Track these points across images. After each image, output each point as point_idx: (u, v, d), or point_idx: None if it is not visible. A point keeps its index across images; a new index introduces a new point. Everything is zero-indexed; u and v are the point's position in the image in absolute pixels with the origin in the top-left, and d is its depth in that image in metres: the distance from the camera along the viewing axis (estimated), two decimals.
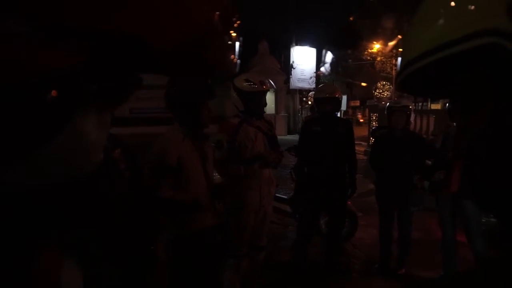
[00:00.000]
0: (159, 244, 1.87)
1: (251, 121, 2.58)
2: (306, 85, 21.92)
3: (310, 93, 20.71)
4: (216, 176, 2.35)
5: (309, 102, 20.09)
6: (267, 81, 2.62)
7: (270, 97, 17.53)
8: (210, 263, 2.05)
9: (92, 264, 0.71)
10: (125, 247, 1.21)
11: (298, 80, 21.66)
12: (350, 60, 22.27)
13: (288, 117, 21.33)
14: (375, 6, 18.20)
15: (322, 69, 23.27)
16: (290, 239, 3.80)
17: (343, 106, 19.22)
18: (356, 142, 3.49)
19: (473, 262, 2.88)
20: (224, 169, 2.48)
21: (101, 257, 0.90)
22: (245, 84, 2.53)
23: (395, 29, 17.22)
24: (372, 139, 7.29)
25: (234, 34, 0.42)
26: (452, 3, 0.54)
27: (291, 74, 21.31)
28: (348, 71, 23.65)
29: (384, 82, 22.27)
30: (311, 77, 21.91)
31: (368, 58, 20.84)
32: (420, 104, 17.82)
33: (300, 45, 21.98)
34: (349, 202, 3.90)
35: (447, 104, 3.50)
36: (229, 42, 0.41)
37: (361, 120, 25.92)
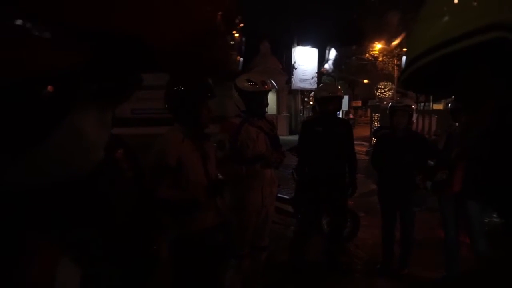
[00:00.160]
0: (162, 245, 1.87)
1: (252, 121, 2.58)
2: (307, 86, 21.90)
3: (312, 93, 20.70)
4: (219, 176, 2.35)
5: (311, 103, 20.07)
6: (268, 81, 2.62)
7: (271, 98, 17.54)
8: (212, 264, 2.04)
9: (93, 263, 0.71)
10: (127, 247, 1.21)
11: (299, 81, 21.65)
12: (353, 57, 22.23)
13: (289, 118, 21.31)
14: (376, 6, 18.17)
15: (326, 65, 23.25)
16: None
17: (345, 106, 19.23)
18: (358, 143, 3.49)
19: (476, 262, 2.87)
20: (226, 169, 2.48)
21: (102, 256, 0.90)
22: (246, 84, 2.53)
23: (398, 28, 17.17)
24: (374, 139, 7.27)
25: (237, 35, 0.42)
26: (456, 0, 0.54)
27: (292, 75, 21.30)
28: (351, 69, 23.63)
29: (386, 82, 22.22)
30: (312, 77, 21.90)
31: (370, 58, 20.81)
32: (422, 104, 17.77)
33: (302, 45, 21.96)
34: (351, 202, 3.90)
35: (450, 104, 3.49)
36: (232, 42, 0.42)
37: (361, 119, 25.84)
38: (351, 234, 3.86)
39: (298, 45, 21.83)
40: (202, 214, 1.96)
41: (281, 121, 18.83)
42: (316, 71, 22.35)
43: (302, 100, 23.14)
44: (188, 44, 0.36)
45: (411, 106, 3.17)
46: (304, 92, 22.87)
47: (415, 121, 3.37)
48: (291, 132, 19.92)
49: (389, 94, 22.09)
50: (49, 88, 0.30)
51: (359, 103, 29.66)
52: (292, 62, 21.40)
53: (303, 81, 21.81)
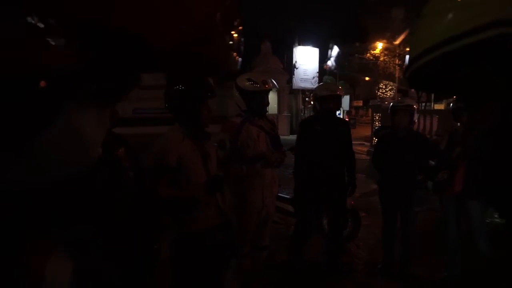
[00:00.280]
0: (163, 244, 1.87)
1: (253, 120, 2.58)
2: (308, 85, 21.88)
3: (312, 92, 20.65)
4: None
5: (312, 102, 20.05)
6: (269, 81, 2.62)
7: (272, 97, 17.53)
8: (212, 263, 2.04)
9: (93, 263, 0.71)
10: (127, 245, 1.21)
11: (300, 80, 21.63)
12: (356, 55, 22.18)
13: (290, 117, 21.30)
14: (376, 6, 18.14)
15: (329, 63, 23.22)
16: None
17: (346, 106, 19.22)
18: (359, 142, 3.49)
19: (477, 262, 2.86)
20: (227, 168, 2.48)
21: (102, 256, 0.90)
22: (247, 83, 2.53)
23: (400, 25, 17.12)
24: (375, 139, 7.26)
25: (235, 35, 0.43)
26: None
27: (293, 74, 21.29)
28: (354, 67, 23.58)
29: (387, 82, 22.19)
30: (313, 77, 21.87)
31: (371, 58, 20.78)
32: (423, 104, 17.73)
33: (303, 45, 21.94)
34: (352, 202, 3.90)
35: (451, 104, 3.48)
36: (231, 42, 0.42)
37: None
38: (352, 234, 3.85)
39: (299, 44, 21.81)
40: (203, 213, 1.96)
41: (282, 121, 18.83)
42: (317, 70, 22.32)
43: (303, 99, 23.12)
44: (187, 44, 0.36)
45: (413, 105, 3.16)
46: (305, 91, 22.84)
47: (416, 121, 3.36)
48: (292, 132, 19.90)
49: (390, 94, 22.07)
50: (42, 83, 0.31)
51: (360, 103, 29.62)
52: (293, 62, 21.38)
53: (304, 80, 21.79)
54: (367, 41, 20.41)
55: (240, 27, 0.42)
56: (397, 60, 18.83)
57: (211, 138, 2.16)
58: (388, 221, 3.24)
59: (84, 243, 0.54)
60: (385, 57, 19.69)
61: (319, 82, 21.15)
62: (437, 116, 7.72)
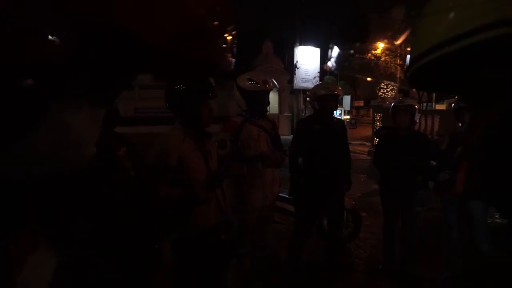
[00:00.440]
0: (165, 244, 1.87)
1: (254, 120, 2.58)
2: (309, 85, 21.82)
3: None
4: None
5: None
6: (270, 80, 2.62)
7: (273, 97, 17.53)
8: (214, 263, 2.04)
9: (93, 262, 0.71)
10: (128, 245, 1.21)
11: (301, 80, 21.61)
12: (357, 55, 22.13)
13: (291, 117, 21.29)
14: (377, 6, 18.13)
15: (329, 63, 23.17)
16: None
17: (347, 106, 19.20)
18: (360, 142, 3.49)
19: (478, 263, 2.86)
20: (227, 168, 2.48)
21: (102, 255, 0.90)
22: (248, 83, 2.53)
23: (402, 24, 17.09)
24: (376, 139, 7.25)
25: (229, 37, 0.43)
26: None
27: (294, 74, 21.26)
28: (354, 67, 23.53)
29: (388, 82, 22.16)
30: (315, 77, 21.85)
31: (372, 58, 20.76)
32: (424, 104, 17.70)
33: (304, 45, 21.91)
34: (353, 203, 3.89)
35: (453, 105, 3.47)
36: (224, 45, 0.42)
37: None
38: (353, 234, 3.85)
39: (300, 44, 21.78)
40: (204, 212, 1.96)
41: (283, 121, 18.82)
42: (318, 70, 22.30)
43: (304, 99, 23.08)
44: (181, 43, 0.36)
45: (414, 105, 3.16)
46: (306, 91, 22.81)
47: (417, 121, 3.35)
48: (292, 132, 19.89)
49: (392, 94, 22.04)
50: (29, 80, 0.31)
51: (361, 103, 29.60)
52: (294, 62, 21.36)
53: (305, 80, 21.76)
54: (368, 41, 20.38)
55: (234, 32, 0.42)
56: (398, 60, 18.80)
57: (211, 138, 2.16)
58: (389, 221, 3.24)
59: (76, 240, 0.53)
60: (386, 57, 19.67)
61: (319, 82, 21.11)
62: (439, 116, 7.72)
